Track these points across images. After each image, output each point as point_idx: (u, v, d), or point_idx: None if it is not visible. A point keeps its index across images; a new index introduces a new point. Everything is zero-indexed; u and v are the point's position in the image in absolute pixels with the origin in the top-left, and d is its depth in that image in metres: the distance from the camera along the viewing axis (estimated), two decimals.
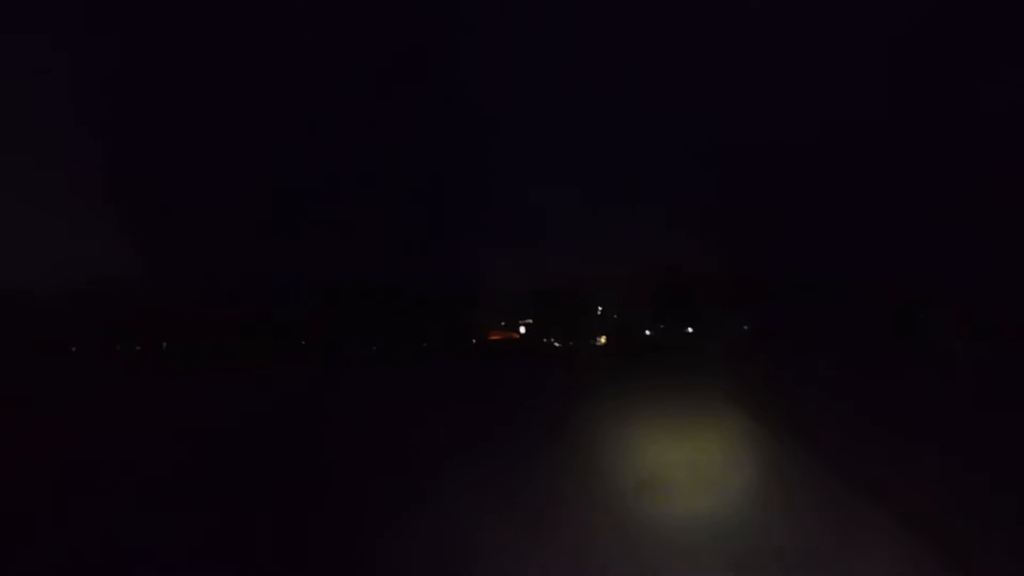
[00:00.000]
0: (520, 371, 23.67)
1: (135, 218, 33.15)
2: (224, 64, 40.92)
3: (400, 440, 8.62)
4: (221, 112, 43.00)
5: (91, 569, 4.65)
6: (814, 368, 18.04)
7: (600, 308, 50.24)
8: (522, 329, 65.85)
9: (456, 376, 20.00)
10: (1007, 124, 35.18)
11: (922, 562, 4.46)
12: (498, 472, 6.63)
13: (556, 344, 51.56)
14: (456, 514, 5.53)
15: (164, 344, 32.72)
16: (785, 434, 7.81)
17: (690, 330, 46.71)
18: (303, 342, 41.67)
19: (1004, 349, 25.89)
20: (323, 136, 48.38)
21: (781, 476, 6.22)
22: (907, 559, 4.51)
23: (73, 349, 28.21)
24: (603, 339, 48.28)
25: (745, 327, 44.38)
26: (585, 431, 9.21)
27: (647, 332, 49.75)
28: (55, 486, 6.95)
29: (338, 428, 10.73)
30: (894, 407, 10.22)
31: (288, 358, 30.34)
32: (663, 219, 49.10)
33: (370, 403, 14.03)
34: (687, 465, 6.31)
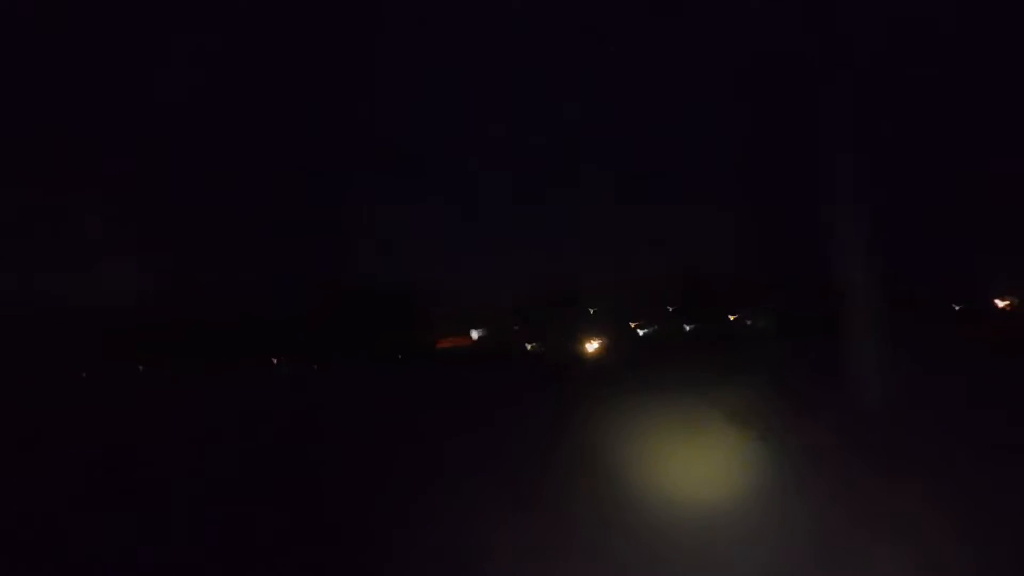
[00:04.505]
0: None
1: None
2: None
3: None
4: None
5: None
6: None
7: (593, 310, 46.11)
8: (474, 335, 60.40)
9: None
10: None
11: None
12: None
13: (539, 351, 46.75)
14: None
15: None
16: None
17: (688, 328, 43.88)
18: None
19: None
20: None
21: None
22: None
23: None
24: (595, 343, 44.08)
25: (748, 322, 42.24)
26: None
27: (640, 332, 46.36)
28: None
29: None
30: None
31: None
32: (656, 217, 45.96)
33: None
34: None
